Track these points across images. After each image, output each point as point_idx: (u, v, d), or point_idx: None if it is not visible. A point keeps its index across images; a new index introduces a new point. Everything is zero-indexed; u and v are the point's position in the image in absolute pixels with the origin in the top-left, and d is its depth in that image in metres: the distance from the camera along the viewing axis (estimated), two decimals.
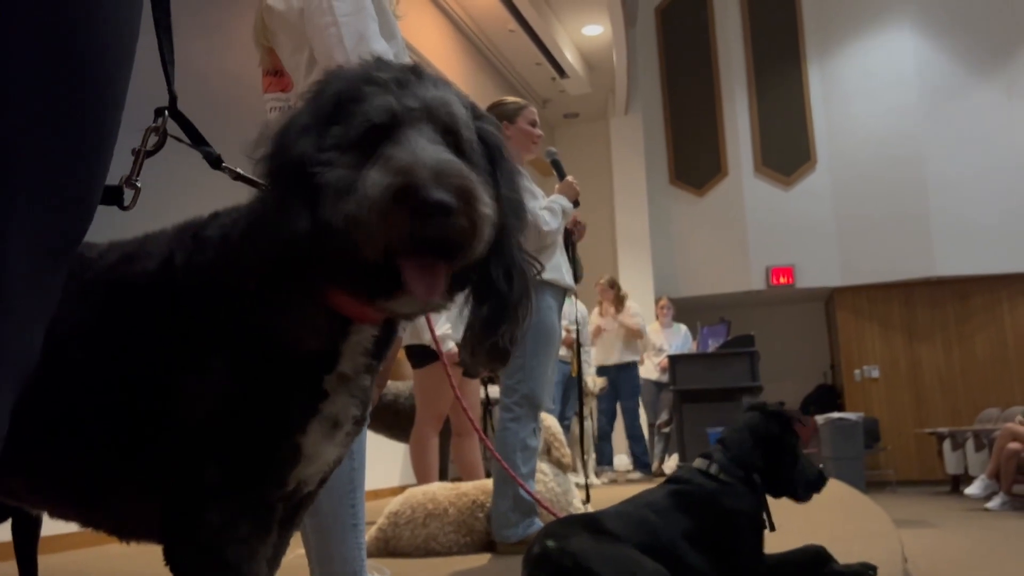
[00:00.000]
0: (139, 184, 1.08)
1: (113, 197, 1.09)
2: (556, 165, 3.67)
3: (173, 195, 2.70)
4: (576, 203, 3.45)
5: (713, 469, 2.15)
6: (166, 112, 1.16)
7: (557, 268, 3.24)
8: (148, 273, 1.08)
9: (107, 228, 1.08)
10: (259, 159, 0.98)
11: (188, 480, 1.02)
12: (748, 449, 2.17)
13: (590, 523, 1.99)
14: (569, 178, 3.49)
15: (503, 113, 3.31)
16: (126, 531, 1.17)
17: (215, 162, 1.20)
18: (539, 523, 3.07)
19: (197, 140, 1.20)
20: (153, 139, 1.14)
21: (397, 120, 0.94)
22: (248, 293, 0.98)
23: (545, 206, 3.22)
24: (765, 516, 2.15)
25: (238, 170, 1.19)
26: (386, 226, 0.87)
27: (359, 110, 0.94)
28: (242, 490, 1.03)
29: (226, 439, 1.01)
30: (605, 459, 8.17)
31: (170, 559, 1.04)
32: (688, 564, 1.96)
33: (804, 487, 2.22)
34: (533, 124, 3.37)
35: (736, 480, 2.13)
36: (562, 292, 3.29)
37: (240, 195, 1.08)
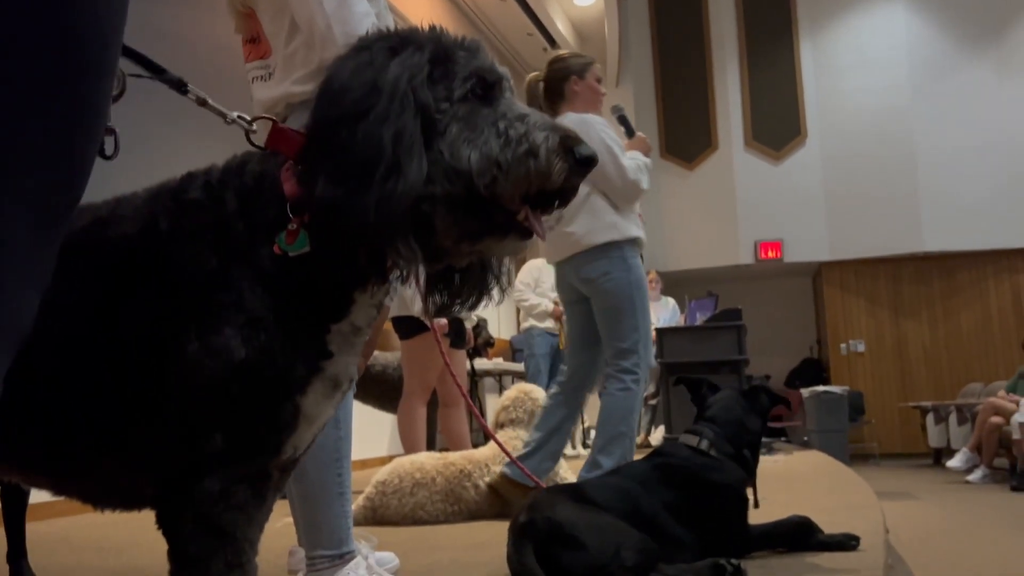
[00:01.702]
0: (115, 128, 1.02)
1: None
2: (624, 121, 3.56)
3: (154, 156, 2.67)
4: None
5: (703, 445, 2.18)
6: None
7: (639, 225, 3.20)
8: (129, 238, 1.06)
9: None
10: (361, 102, 0.97)
11: (188, 448, 1.01)
12: (739, 427, 2.20)
13: (575, 493, 2.01)
14: (640, 134, 3.40)
15: (571, 67, 3.26)
16: (106, 500, 1.15)
17: (179, 86, 1.16)
18: None
19: (155, 70, 1.16)
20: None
21: (501, 82, 1.03)
22: (259, 251, 1.00)
23: (633, 166, 3.16)
24: (752, 492, 2.18)
25: (205, 96, 1.18)
26: (543, 173, 0.97)
27: (464, 69, 1.01)
28: (244, 456, 1.02)
29: (230, 405, 1.00)
30: None
31: (165, 526, 1.03)
32: (671, 535, 1.98)
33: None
34: (599, 81, 3.31)
35: (726, 456, 2.15)
36: (640, 247, 3.25)
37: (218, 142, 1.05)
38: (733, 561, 1.82)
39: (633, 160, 3.20)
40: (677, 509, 2.03)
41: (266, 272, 1.02)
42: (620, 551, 1.78)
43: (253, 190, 1.06)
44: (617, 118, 3.56)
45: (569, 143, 0.98)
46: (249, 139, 1.14)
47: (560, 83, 3.31)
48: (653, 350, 3.20)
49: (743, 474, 2.17)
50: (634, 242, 3.11)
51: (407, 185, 0.94)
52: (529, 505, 1.97)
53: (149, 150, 3.08)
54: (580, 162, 0.98)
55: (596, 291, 3.11)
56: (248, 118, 1.17)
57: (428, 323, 2.97)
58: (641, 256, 3.16)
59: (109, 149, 1.05)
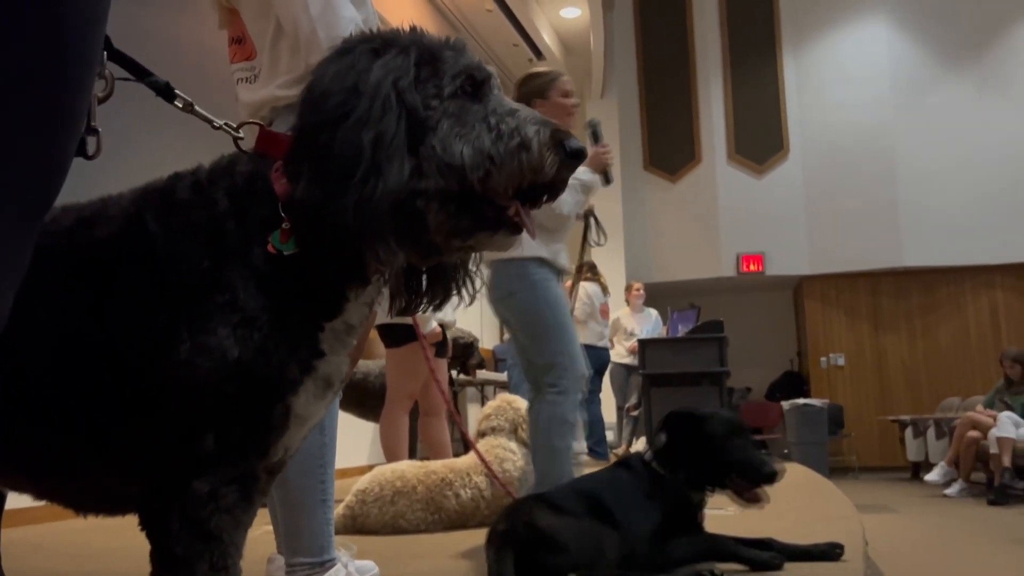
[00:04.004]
0: (98, 128, 1.02)
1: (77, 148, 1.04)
2: (594, 135, 3.24)
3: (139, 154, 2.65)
4: (607, 178, 3.13)
5: (648, 456, 2.18)
6: (103, 53, 1.08)
7: (559, 252, 2.97)
8: (116, 238, 1.05)
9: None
10: (341, 105, 0.97)
11: (179, 449, 0.99)
12: (677, 446, 2.17)
13: (545, 501, 2.02)
14: (597, 148, 3.07)
15: (534, 89, 2.99)
16: (90, 504, 1.14)
17: (164, 91, 1.16)
18: None
19: (141, 73, 1.15)
20: (99, 84, 1.06)
21: (489, 79, 1.04)
22: (256, 250, 1.00)
23: (568, 198, 2.85)
24: (692, 510, 2.13)
25: (191, 101, 1.17)
26: (535, 166, 0.99)
27: (453, 68, 1.03)
28: (235, 458, 1.02)
29: (223, 406, 0.99)
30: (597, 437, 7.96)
31: (150, 527, 1.02)
32: (636, 538, 1.99)
33: (749, 479, 2.15)
34: (567, 95, 3.02)
35: (665, 471, 2.14)
36: (557, 271, 2.98)
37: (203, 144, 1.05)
38: (716, 571, 1.82)
39: (574, 177, 3.02)
40: (635, 515, 2.03)
41: (260, 271, 1.02)
42: (603, 550, 1.80)
43: (244, 190, 1.06)
44: (590, 133, 3.30)
45: (560, 136, 1.00)
46: (237, 145, 1.13)
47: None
48: (583, 358, 2.99)
49: (678, 491, 2.12)
50: (540, 261, 2.88)
51: (386, 188, 0.95)
52: (506, 513, 2.00)
53: (133, 152, 3.06)
54: (571, 155, 1.00)
55: (505, 312, 2.96)
56: (234, 125, 1.16)
57: (417, 332, 2.93)
58: (560, 276, 2.94)
59: (91, 149, 1.04)
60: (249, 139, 1.14)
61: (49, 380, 1.02)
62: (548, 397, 2.83)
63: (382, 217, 0.95)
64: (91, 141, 1.03)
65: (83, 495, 1.13)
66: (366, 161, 0.95)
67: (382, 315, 4.19)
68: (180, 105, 1.18)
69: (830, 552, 2.19)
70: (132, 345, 1.00)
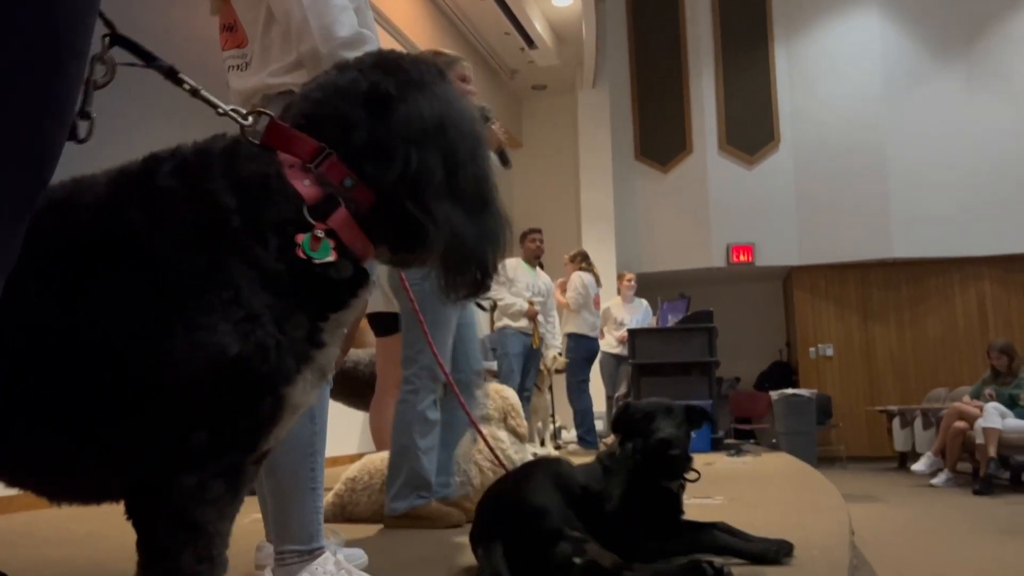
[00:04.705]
0: (93, 114, 1.02)
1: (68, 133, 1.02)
2: (484, 117, 3.35)
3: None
4: (504, 158, 3.11)
5: (603, 453, 2.20)
6: (106, 38, 1.08)
7: None
8: (94, 227, 1.01)
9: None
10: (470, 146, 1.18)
11: (170, 444, 0.98)
12: (620, 444, 2.18)
13: (526, 483, 2.04)
14: (491, 127, 3.04)
15: None
16: (69, 495, 1.12)
17: (169, 74, 1.15)
18: (428, 499, 2.96)
19: (147, 58, 1.14)
20: (101, 70, 1.07)
21: None
22: (255, 242, 1.01)
23: None
24: (669, 499, 2.11)
25: (197, 86, 1.17)
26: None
27: None
28: (226, 451, 1.01)
29: (220, 404, 0.98)
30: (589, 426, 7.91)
31: (135, 517, 1.01)
32: (615, 529, 2.01)
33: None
34: (464, 80, 3.03)
35: (610, 465, 2.14)
36: None
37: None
38: (716, 563, 1.82)
39: None
40: (605, 507, 2.05)
41: (266, 270, 1.01)
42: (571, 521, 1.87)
43: (255, 187, 1.05)
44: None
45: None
46: (243, 133, 1.11)
47: None
48: (448, 362, 3.01)
49: (615, 483, 2.10)
50: None
51: (502, 221, 1.22)
52: (482, 509, 2.03)
53: (124, 139, 3.04)
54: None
55: (399, 293, 2.99)
56: (243, 112, 1.14)
57: (419, 320, 2.90)
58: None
59: (83, 133, 1.03)
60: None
61: (25, 375, 0.99)
62: (403, 393, 2.97)
63: (502, 246, 1.20)
64: (83, 125, 1.02)
65: (62, 487, 1.11)
66: (490, 199, 1.18)
67: (373, 304, 4.15)
68: (187, 88, 1.16)
69: (772, 554, 2.05)
70: (116, 341, 0.98)
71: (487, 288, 1.20)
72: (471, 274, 1.17)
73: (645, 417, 2.13)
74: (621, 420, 2.20)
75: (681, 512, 2.14)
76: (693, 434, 2.24)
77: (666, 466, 2.10)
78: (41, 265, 0.99)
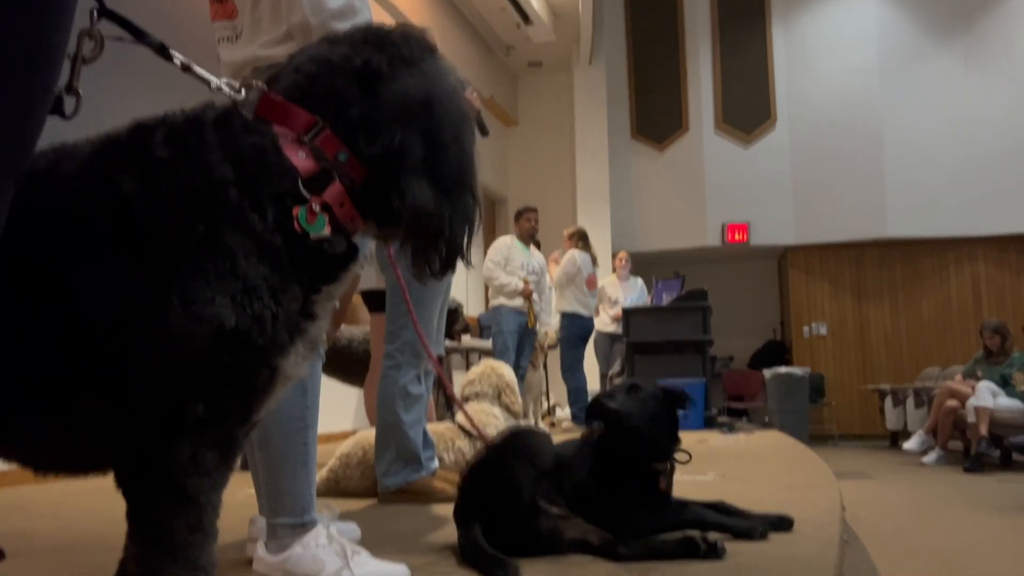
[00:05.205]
0: (80, 90, 1.01)
1: (53, 106, 0.99)
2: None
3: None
4: (482, 128, 3.09)
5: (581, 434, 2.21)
6: (94, 12, 1.06)
7: None
8: (82, 196, 0.99)
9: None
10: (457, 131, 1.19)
11: (165, 416, 0.98)
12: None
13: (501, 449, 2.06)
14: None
15: None
16: (57, 466, 1.11)
17: (160, 50, 1.14)
18: (421, 473, 2.98)
19: (137, 34, 1.13)
20: (89, 44, 1.05)
21: None
22: (255, 215, 1.02)
23: None
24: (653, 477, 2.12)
25: (188, 62, 1.16)
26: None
27: None
28: (220, 423, 1.01)
29: (216, 376, 0.99)
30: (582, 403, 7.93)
31: (127, 490, 1.01)
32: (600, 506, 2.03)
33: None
34: None
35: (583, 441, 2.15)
36: None
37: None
38: (710, 538, 1.83)
39: None
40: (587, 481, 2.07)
41: (263, 241, 1.02)
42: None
43: (252, 159, 1.04)
44: None
45: None
46: (236, 107, 1.10)
47: None
48: (442, 338, 3.04)
49: (582, 458, 2.12)
50: None
51: (477, 204, 1.23)
52: (465, 486, 2.04)
53: (115, 119, 3.01)
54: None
55: (386, 268, 3.05)
56: (236, 85, 1.13)
57: (405, 298, 2.91)
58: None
59: (68, 109, 1.02)
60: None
61: (10, 344, 0.97)
62: (385, 368, 2.99)
63: (475, 227, 1.21)
64: (69, 101, 1.01)
65: (50, 457, 1.10)
66: (468, 180, 1.18)
67: (367, 281, 4.13)
68: (178, 64, 1.15)
69: (757, 530, 2.06)
70: (108, 311, 0.97)
71: (453, 267, 1.22)
72: (438, 252, 1.18)
73: (608, 395, 2.13)
74: (595, 398, 2.20)
75: (659, 488, 2.09)
76: (681, 413, 2.22)
77: (627, 441, 2.06)
78: (30, 236, 0.97)
